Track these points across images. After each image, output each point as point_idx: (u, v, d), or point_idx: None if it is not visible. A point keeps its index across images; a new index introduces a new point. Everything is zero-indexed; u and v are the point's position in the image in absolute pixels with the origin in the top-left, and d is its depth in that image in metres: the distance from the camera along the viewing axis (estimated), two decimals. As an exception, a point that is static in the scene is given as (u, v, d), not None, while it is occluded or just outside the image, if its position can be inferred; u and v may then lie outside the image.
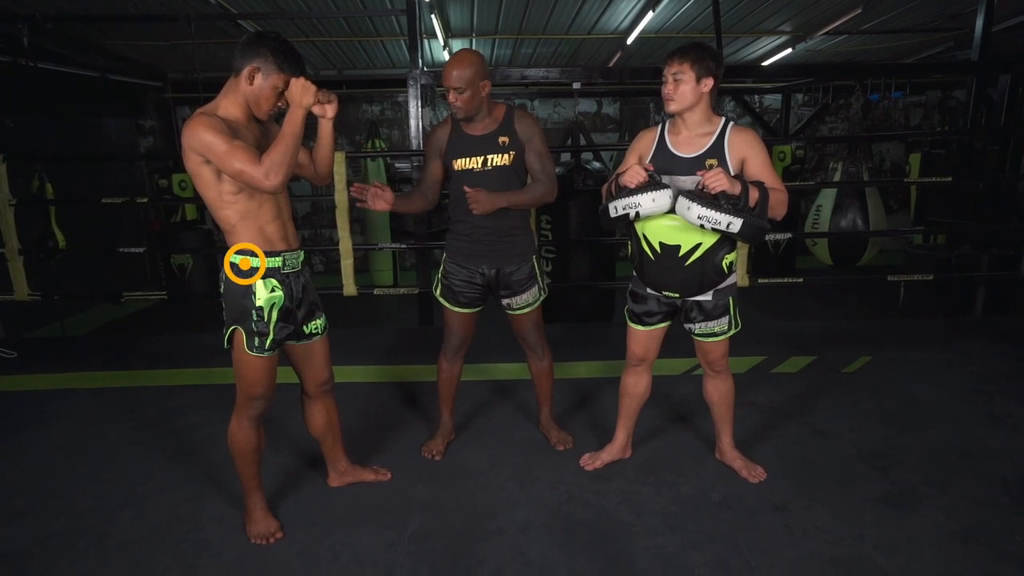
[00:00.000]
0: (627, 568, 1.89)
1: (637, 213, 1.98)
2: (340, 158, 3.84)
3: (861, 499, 2.19)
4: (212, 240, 7.13)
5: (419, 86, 4.07)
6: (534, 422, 2.79)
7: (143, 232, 7.46)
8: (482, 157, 2.27)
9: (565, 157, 5.80)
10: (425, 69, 4.15)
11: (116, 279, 6.54)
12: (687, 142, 2.08)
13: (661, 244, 2.07)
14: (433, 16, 5.43)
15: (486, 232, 2.33)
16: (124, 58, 6.75)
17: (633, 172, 1.98)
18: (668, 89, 2.03)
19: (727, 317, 2.18)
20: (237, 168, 1.70)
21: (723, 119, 2.09)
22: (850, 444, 2.56)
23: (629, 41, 6.38)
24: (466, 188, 2.21)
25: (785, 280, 4.28)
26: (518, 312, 2.46)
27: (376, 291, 4.16)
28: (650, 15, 5.55)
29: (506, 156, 2.27)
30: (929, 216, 6.30)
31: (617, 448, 2.45)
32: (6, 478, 2.45)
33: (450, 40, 6.48)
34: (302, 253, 2.00)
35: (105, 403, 3.09)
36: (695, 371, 3.29)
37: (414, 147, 4.24)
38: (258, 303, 1.87)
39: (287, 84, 1.80)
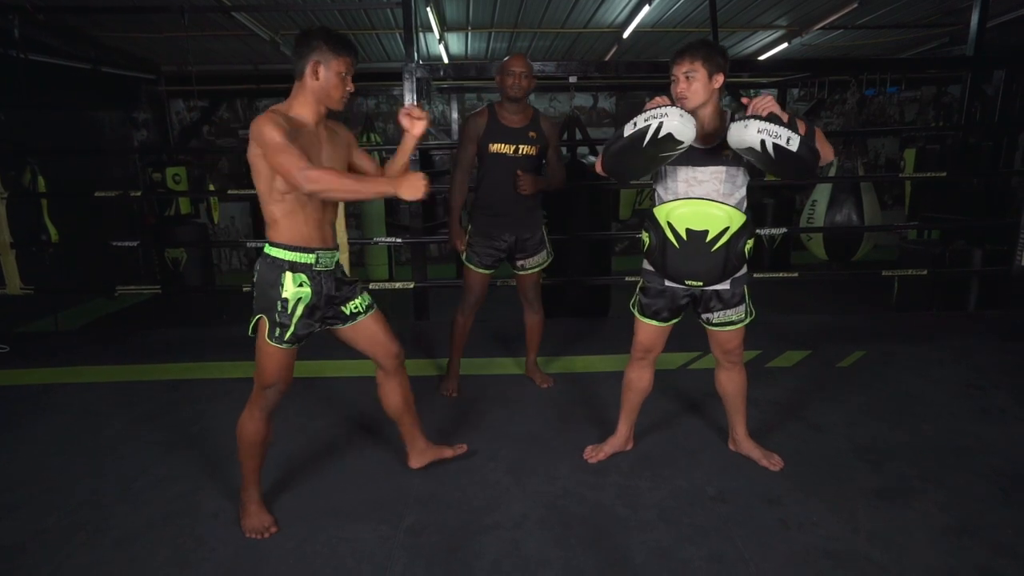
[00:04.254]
0: (623, 562, 1.89)
1: (661, 124, 1.88)
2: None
3: (855, 493, 2.20)
4: (206, 234, 7.09)
5: (415, 80, 4.05)
6: (530, 417, 2.80)
7: (137, 226, 7.42)
8: (515, 145, 2.76)
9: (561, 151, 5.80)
10: (420, 63, 4.13)
11: (109, 273, 6.51)
12: (702, 135, 2.07)
13: (688, 231, 2.06)
14: (429, 9, 5.40)
15: (511, 207, 2.82)
16: (117, 50, 6.70)
17: (661, 99, 1.96)
18: (681, 88, 2.02)
19: (744, 305, 2.21)
20: (284, 166, 1.75)
21: (728, 112, 2.10)
22: (844, 438, 2.57)
23: (625, 35, 6.36)
24: (519, 172, 2.73)
25: (780, 275, 4.30)
26: (529, 271, 2.95)
27: (371, 286, 4.15)
28: (646, 9, 5.53)
29: (533, 148, 2.79)
30: (923, 211, 6.30)
31: (619, 440, 2.47)
32: None
33: (445, 34, 6.44)
34: (336, 252, 2.05)
35: (99, 397, 3.08)
36: (691, 365, 3.30)
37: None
38: (284, 295, 1.91)
39: (349, 67, 1.88)
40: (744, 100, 1.95)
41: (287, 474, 2.38)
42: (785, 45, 7.07)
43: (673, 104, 1.94)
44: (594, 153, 6.01)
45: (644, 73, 7.07)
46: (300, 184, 1.75)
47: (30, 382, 3.29)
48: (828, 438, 2.58)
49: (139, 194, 6.23)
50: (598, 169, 2.14)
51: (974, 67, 4.71)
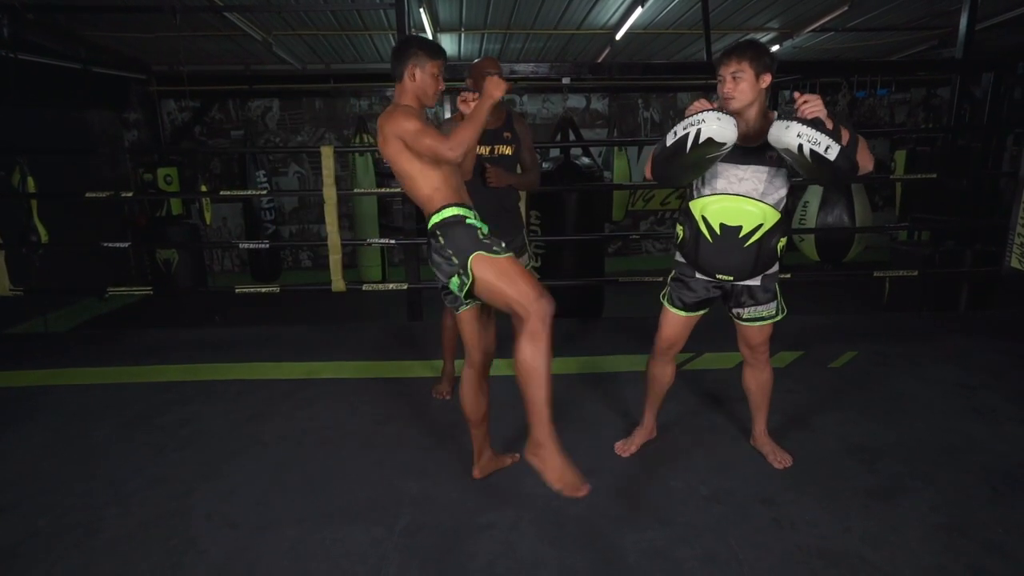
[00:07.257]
0: (617, 562, 1.90)
1: (699, 131, 1.90)
2: (328, 152, 3.82)
3: (848, 492, 2.21)
4: (198, 235, 7.06)
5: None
6: (523, 418, 2.79)
7: (128, 227, 7.37)
8: (490, 146, 2.74)
9: (555, 152, 5.80)
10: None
11: (100, 274, 6.46)
12: (746, 134, 2.07)
13: (722, 225, 2.09)
14: (422, 10, 5.40)
15: (491, 209, 2.70)
16: (107, 50, 6.65)
17: (699, 103, 1.96)
18: (727, 88, 2.01)
19: (775, 302, 2.26)
20: (428, 144, 1.97)
21: (776, 113, 2.07)
22: (837, 438, 2.58)
23: (618, 37, 6.37)
24: (486, 164, 2.68)
25: (772, 276, 4.31)
26: None
27: (364, 287, 4.14)
28: (639, 11, 5.55)
29: (508, 148, 2.78)
30: (914, 213, 6.36)
31: (646, 431, 2.54)
32: (-11, 476, 2.42)
33: (439, 35, 6.44)
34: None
35: (90, 400, 3.05)
36: (686, 365, 3.31)
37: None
38: (476, 226, 2.04)
39: (440, 68, 2.10)
40: (796, 94, 1.92)
41: (280, 475, 2.37)
42: (776, 47, 7.10)
43: (711, 106, 1.94)
44: (587, 154, 6.03)
45: (637, 75, 7.08)
46: (446, 154, 1.95)
47: (20, 384, 3.26)
48: (821, 438, 2.59)
49: (130, 195, 6.20)
50: (648, 176, 2.18)
51: (963, 70, 4.75)
